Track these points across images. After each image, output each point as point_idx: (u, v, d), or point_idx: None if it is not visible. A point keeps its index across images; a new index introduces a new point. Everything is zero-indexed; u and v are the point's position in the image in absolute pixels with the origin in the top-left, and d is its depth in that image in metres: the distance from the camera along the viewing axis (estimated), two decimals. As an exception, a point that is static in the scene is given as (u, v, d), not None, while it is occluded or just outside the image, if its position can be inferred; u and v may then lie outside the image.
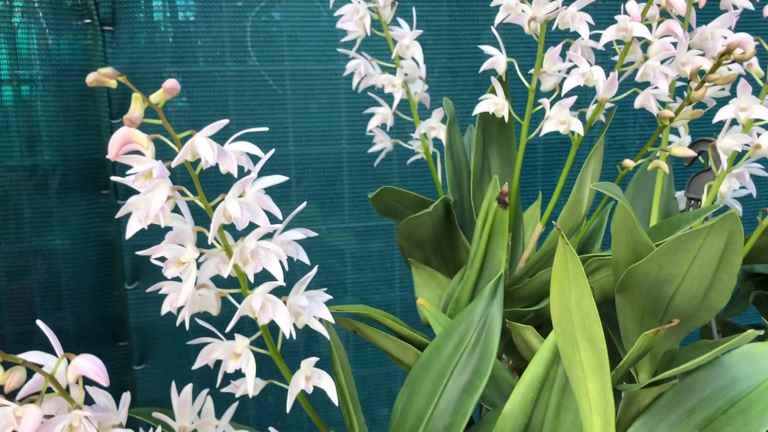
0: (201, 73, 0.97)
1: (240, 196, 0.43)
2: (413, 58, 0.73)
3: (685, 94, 0.64)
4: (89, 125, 0.95)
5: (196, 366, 0.49)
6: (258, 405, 1.08)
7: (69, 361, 0.40)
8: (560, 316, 0.45)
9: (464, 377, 0.57)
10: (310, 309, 0.47)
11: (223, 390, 0.52)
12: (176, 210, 0.45)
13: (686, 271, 0.49)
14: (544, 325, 0.65)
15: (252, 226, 0.44)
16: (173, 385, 0.50)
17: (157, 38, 0.95)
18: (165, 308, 0.46)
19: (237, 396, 0.52)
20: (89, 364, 0.38)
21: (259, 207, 0.43)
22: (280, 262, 0.44)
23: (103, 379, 0.38)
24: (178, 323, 0.48)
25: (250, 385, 0.46)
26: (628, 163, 0.57)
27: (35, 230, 0.95)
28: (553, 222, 0.39)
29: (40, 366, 0.39)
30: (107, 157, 0.38)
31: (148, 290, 0.46)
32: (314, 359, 0.48)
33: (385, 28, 0.72)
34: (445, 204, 0.69)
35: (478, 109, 0.65)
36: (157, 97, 0.39)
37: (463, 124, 0.78)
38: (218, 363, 0.49)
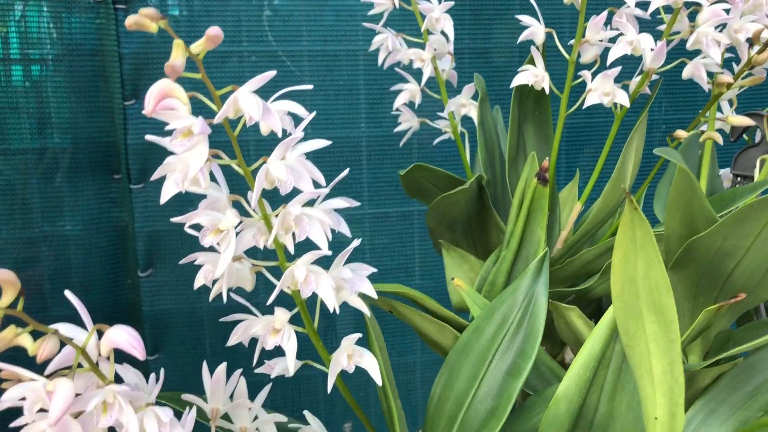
0: (216, 53, 0.94)
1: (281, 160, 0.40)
2: (443, 32, 0.70)
3: (734, 65, 0.61)
4: (101, 107, 0.92)
5: (230, 343, 0.46)
6: (272, 393, 1.05)
7: (100, 335, 0.37)
8: (622, 289, 0.42)
9: (508, 359, 0.54)
10: (353, 283, 0.44)
11: (258, 370, 0.49)
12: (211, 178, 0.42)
13: (751, 243, 0.46)
14: (585, 308, 0.63)
15: (290, 196, 0.41)
16: (204, 365, 0.47)
17: (171, 17, 0.92)
18: (199, 281, 0.43)
19: (273, 376, 0.49)
20: (125, 336, 0.35)
21: (304, 170, 0.40)
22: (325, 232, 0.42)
23: (140, 351, 0.35)
24: (212, 297, 0.45)
25: (291, 362, 0.43)
26: (680, 133, 0.55)
27: (45, 216, 0.92)
28: (621, 186, 0.36)
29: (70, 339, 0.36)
30: (143, 112, 0.35)
31: (181, 262, 0.43)
32: (356, 336, 0.45)
33: (413, 1, 0.69)
34: (478, 182, 0.66)
35: (517, 81, 0.63)
36: (198, 47, 0.36)
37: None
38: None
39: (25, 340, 0.33)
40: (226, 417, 0.49)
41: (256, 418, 0.50)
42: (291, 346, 0.43)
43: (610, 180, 0.62)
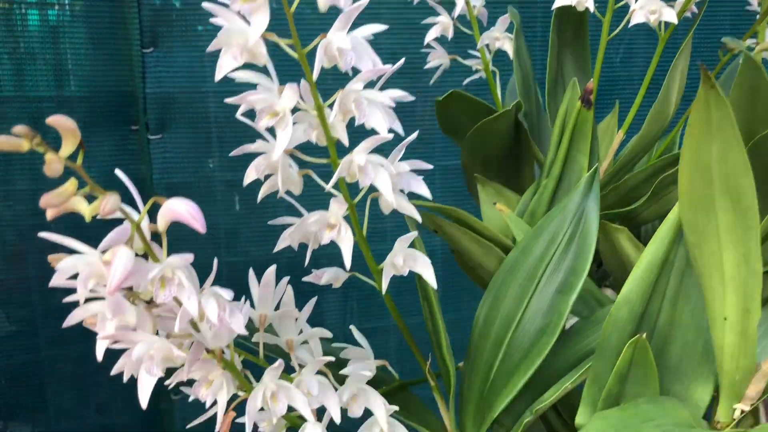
0: None
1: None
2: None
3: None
4: (119, 55, 0.90)
5: (279, 247, 0.45)
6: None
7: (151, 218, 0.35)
8: (692, 180, 0.40)
9: (558, 277, 0.52)
10: (408, 180, 0.42)
11: (306, 279, 0.47)
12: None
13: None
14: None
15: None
16: (251, 272, 0.45)
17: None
18: (250, 176, 0.41)
19: (322, 283, 0.47)
20: (185, 207, 0.33)
21: (364, 49, 0.38)
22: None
23: (200, 223, 0.33)
24: (260, 198, 0.43)
25: (347, 257, 0.41)
26: (733, 43, 0.53)
27: (61, 168, 0.89)
28: (699, 64, 0.34)
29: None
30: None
31: (233, 153, 0.41)
32: (411, 236, 0.43)
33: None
34: (517, 109, 0.64)
35: (559, 2, 0.61)
36: None
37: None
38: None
39: (81, 204, 0.31)
40: (270, 330, 0.47)
41: (300, 332, 0.48)
42: (347, 242, 0.41)
43: (654, 104, 0.60)
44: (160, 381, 0.37)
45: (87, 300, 0.34)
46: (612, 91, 1.04)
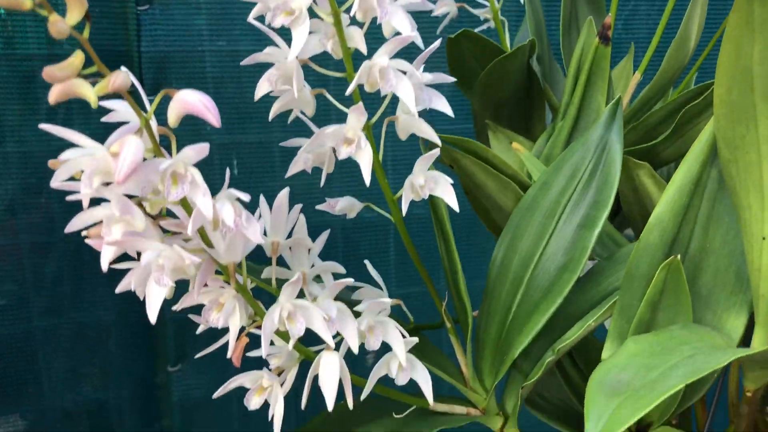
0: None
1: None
2: None
3: None
4: (113, 13, 0.87)
5: (291, 172, 0.42)
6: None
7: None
8: (730, 88, 0.38)
9: (580, 212, 0.50)
10: (429, 96, 0.40)
11: (319, 207, 0.45)
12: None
13: None
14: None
15: None
16: (262, 198, 0.42)
17: None
18: (262, 88, 0.39)
19: (336, 212, 0.45)
20: (198, 97, 0.30)
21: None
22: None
23: (215, 115, 0.30)
24: (272, 116, 0.40)
25: (367, 172, 0.38)
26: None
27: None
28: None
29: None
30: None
31: (244, 63, 0.39)
32: (434, 153, 0.41)
33: None
34: (530, 50, 0.62)
35: (575, -65, 0.59)
36: None
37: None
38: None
39: (85, 88, 0.28)
40: (281, 263, 0.45)
41: (312, 266, 0.45)
42: (366, 156, 0.38)
43: (673, 41, 0.58)
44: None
45: (91, 204, 0.32)
46: (627, 34, 1.01)
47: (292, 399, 0.42)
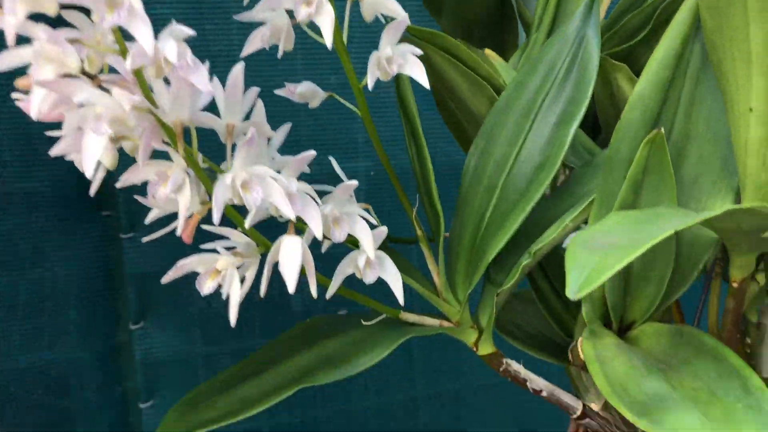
0: None
1: None
2: None
3: None
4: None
5: (246, 52, 0.39)
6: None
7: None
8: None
9: (556, 109, 0.47)
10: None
11: (278, 92, 0.42)
12: None
13: None
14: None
15: None
16: (216, 79, 0.39)
17: None
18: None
19: (296, 98, 0.42)
20: None
21: None
22: None
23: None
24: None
25: (328, 31, 0.35)
26: None
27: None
28: None
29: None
30: None
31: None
32: (403, 22, 0.38)
33: None
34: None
35: None
36: None
37: None
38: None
39: None
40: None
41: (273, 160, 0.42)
42: (327, 17, 0.35)
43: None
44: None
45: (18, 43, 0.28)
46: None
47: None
